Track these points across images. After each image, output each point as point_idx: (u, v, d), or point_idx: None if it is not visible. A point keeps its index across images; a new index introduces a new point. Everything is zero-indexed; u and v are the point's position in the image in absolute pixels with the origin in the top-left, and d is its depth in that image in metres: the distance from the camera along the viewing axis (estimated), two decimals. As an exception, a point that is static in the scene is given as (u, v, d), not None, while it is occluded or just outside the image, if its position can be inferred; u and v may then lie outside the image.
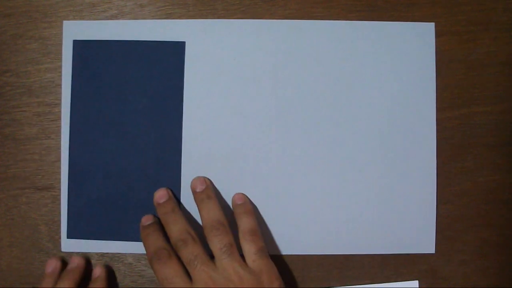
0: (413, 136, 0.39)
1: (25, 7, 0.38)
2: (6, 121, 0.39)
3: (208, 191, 0.37)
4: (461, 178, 0.39)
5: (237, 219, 0.37)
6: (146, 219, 0.37)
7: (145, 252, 0.38)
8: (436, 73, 0.39)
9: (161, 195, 0.37)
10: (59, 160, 0.38)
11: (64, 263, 0.38)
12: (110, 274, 0.38)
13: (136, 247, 0.38)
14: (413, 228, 0.39)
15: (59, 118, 0.38)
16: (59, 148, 0.38)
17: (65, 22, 0.38)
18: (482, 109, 0.39)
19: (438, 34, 0.39)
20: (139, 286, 0.39)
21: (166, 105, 0.38)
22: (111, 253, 0.38)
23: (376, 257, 0.39)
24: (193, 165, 0.38)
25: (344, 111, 0.38)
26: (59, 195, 0.38)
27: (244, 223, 0.36)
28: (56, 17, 0.39)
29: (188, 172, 0.38)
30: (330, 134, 0.38)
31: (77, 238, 0.38)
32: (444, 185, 0.39)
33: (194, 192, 0.37)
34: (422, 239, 0.39)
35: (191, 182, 0.37)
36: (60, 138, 0.38)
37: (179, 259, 0.34)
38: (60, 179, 0.38)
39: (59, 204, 0.38)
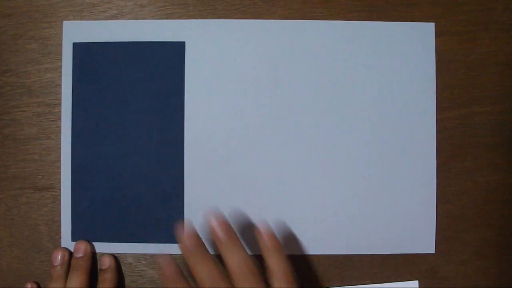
0: (413, 136, 0.39)
1: (25, 7, 0.39)
2: (6, 121, 0.39)
3: (231, 235, 0.32)
4: (461, 178, 0.39)
5: (267, 258, 0.32)
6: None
7: (145, 252, 0.38)
8: (436, 73, 0.39)
9: (187, 240, 0.32)
10: (59, 160, 0.38)
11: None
12: (118, 265, 0.39)
13: (136, 248, 0.38)
14: (413, 228, 0.39)
15: (59, 118, 0.38)
16: (59, 148, 0.38)
17: (65, 22, 0.38)
18: (482, 109, 0.39)
19: (438, 34, 0.39)
20: (139, 286, 0.39)
21: (167, 105, 0.38)
22: (111, 253, 0.38)
23: (376, 257, 0.39)
24: (195, 165, 0.38)
25: (344, 111, 0.38)
26: (59, 195, 0.38)
27: (276, 265, 0.32)
28: (56, 17, 0.39)
29: (191, 173, 0.38)
30: (330, 134, 0.38)
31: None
32: (444, 185, 0.39)
33: (214, 236, 0.33)
34: (422, 239, 0.39)
35: (206, 219, 0.33)
36: (60, 138, 0.38)
37: None
38: (60, 179, 0.38)
39: (59, 204, 0.38)
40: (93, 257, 0.38)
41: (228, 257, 0.32)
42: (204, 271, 0.31)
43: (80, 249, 0.37)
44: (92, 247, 0.38)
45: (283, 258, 0.32)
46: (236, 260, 0.31)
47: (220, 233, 0.32)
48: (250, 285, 0.30)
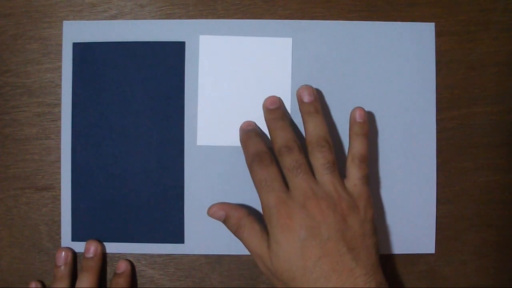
0: (413, 136, 0.39)
1: (25, 7, 0.38)
2: (6, 121, 0.39)
3: (316, 104, 0.36)
4: (461, 178, 0.39)
5: (352, 139, 0.36)
6: (248, 124, 0.37)
7: (145, 252, 0.38)
8: (436, 73, 0.39)
9: (272, 101, 0.37)
10: (59, 160, 0.38)
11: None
12: (133, 270, 0.39)
13: (136, 248, 0.38)
14: (413, 228, 0.39)
15: (59, 118, 0.38)
16: (59, 148, 0.38)
17: (65, 22, 0.38)
18: (482, 109, 0.39)
19: (438, 34, 0.39)
20: (139, 286, 0.39)
21: (167, 105, 0.38)
22: (111, 253, 0.39)
23: (376, 257, 0.39)
24: (195, 165, 0.38)
25: (344, 111, 0.38)
26: (59, 195, 0.38)
27: (358, 146, 0.35)
28: (56, 17, 0.39)
29: (191, 173, 0.38)
30: (330, 134, 0.38)
31: (81, 240, 0.38)
32: (444, 185, 0.39)
33: (300, 102, 0.36)
34: (422, 239, 0.39)
35: (298, 89, 0.36)
36: (60, 138, 0.38)
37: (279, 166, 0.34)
38: (60, 179, 0.38)
39: (59, 204, 0.38)
40: (103, 257, 0.38)
41: (309, 123, 0.35)
42: (282, 134, 0.35)
43: (90, 249, 0.37)
44: (103, 247, 0.38)
45: (366, 143, 0.35)
46: (318, 129, 0.35)
47: (306, 97, 0.36)
48: (325, 151, 0.34)
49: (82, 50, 0.38)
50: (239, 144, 0.37)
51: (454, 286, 0.39)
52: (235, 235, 0.35)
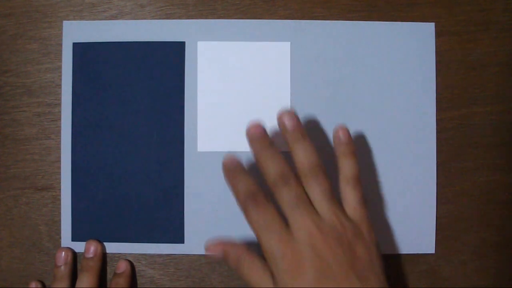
0: (413, 136, 0.39)
1: (25, 7, 0.39)
2: (6, 121, 0.39)
3: (301, 129, 0.33)
4: (461, 178, 0.39)
5: (340, 159, 0.34)
6: (230, 160, 0.33)
7: (145, 252, 0.38)
8: (436, 73, 0.39)
9: (256, 129, 0.33)
10: (59, 160, 0.38)
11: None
12: (133, 270, 0.39)
13: (135, 248, 0.38)
14: (413, 228, 0.39)
15: (59, 118, 0.38)
16: (59, 148, 0.38)
17: (65, 22, 0.38)
18: (482, 109, 0.39)
19: (438, 34, 0.39)
20: (139, 286, 0.39)
21: (167, 105, 0.38)
22: (111, 253, 0.39)
23: (376, 257, 0.39)
24: (195, 165, 0.38)
25: (344, 111, 0.38)
26: (59, 195, 0.38)
27: (349, 167, 0.33)
28: (56, 17, 0.39)
29: (191, 174, 0.38)
30: (329, 134, 0.38)
31: (81, 240, 0.38)
32: (444, 185, 0.39)
33: (284, 130, 0.33)
34: (422, 239, 0.39)
35: (277, 115, 0.33)
36: (60, 138, 0.38)
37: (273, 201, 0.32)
38: (60, 179, 0.38)
39: (59, 204, 0.38)
40: (103, 258, 0.38)
41: (297, 151, 0.33)
42: (273, 165, 0.32)
43: (90, 249, 0.37)
44: (103, 247, 0.38)
45: (356, 162, 0.33)
46: (308, 155, 0.32)
47: (289, 125, 0.33)
48: (320, 179, 0.32)
49: (82, 50, 0.38)
50: (239, 149, 0.37)
51: (454, 286, 0.39)
52: (235, 271, 0.34)
